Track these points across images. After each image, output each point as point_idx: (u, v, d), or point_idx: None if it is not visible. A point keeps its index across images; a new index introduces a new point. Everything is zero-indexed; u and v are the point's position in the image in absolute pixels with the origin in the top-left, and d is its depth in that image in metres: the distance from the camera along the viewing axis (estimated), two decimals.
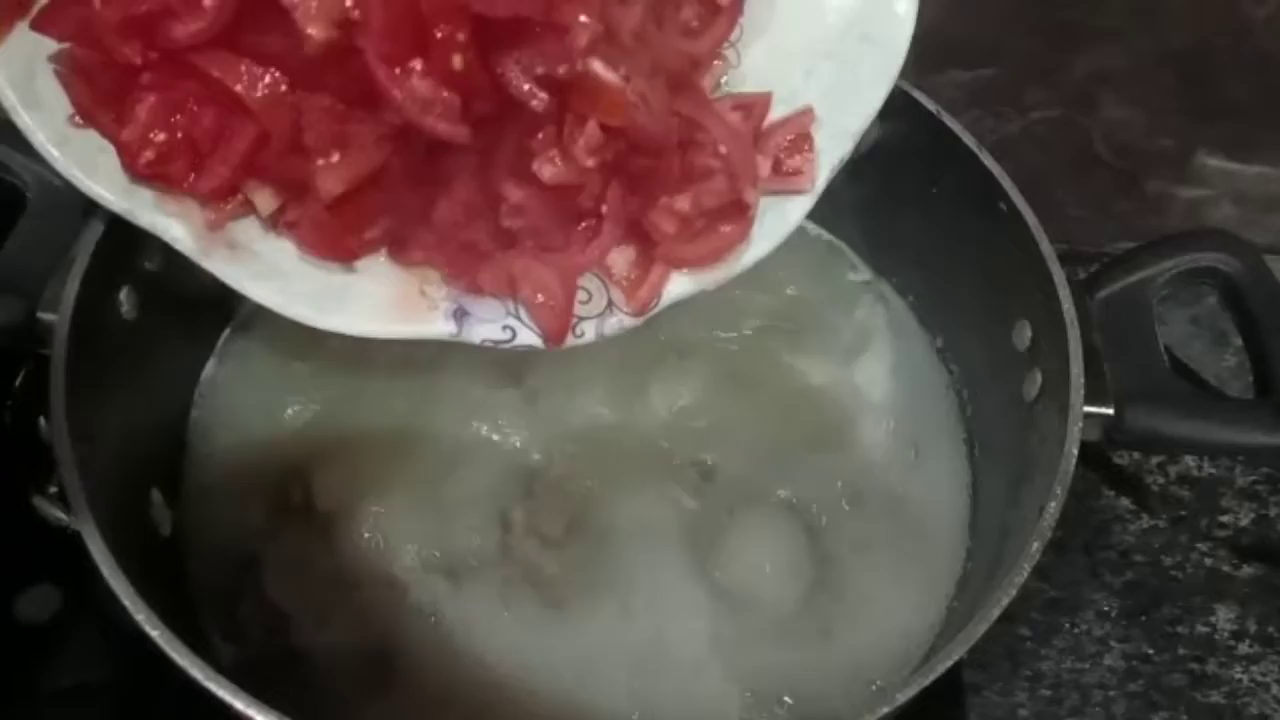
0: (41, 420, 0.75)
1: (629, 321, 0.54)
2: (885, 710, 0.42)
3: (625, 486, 0.61)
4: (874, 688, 0.57)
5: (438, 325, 0.54)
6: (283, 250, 0.52)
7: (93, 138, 0.49)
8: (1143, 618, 0.75)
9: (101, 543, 0.45)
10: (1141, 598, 0.76)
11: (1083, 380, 0.52)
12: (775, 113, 0.55)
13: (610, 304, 0.54)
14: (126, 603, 0.44)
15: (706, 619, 0.58)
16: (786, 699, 0.57)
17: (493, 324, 0.54)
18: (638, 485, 0.61)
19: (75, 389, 0.51)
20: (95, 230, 0.55)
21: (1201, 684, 0.73)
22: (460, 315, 0.54)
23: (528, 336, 0.54)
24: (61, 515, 0.72)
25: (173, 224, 0.51)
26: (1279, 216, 0.90)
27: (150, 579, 0.47)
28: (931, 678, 0.43)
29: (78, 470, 0.48)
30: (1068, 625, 0.75)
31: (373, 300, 0.53)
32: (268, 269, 0.52)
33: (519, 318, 0.53)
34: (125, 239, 0.57)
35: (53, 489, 0.69)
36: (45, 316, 0.54)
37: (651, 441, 0.63)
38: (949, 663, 0.43)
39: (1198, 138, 0.85)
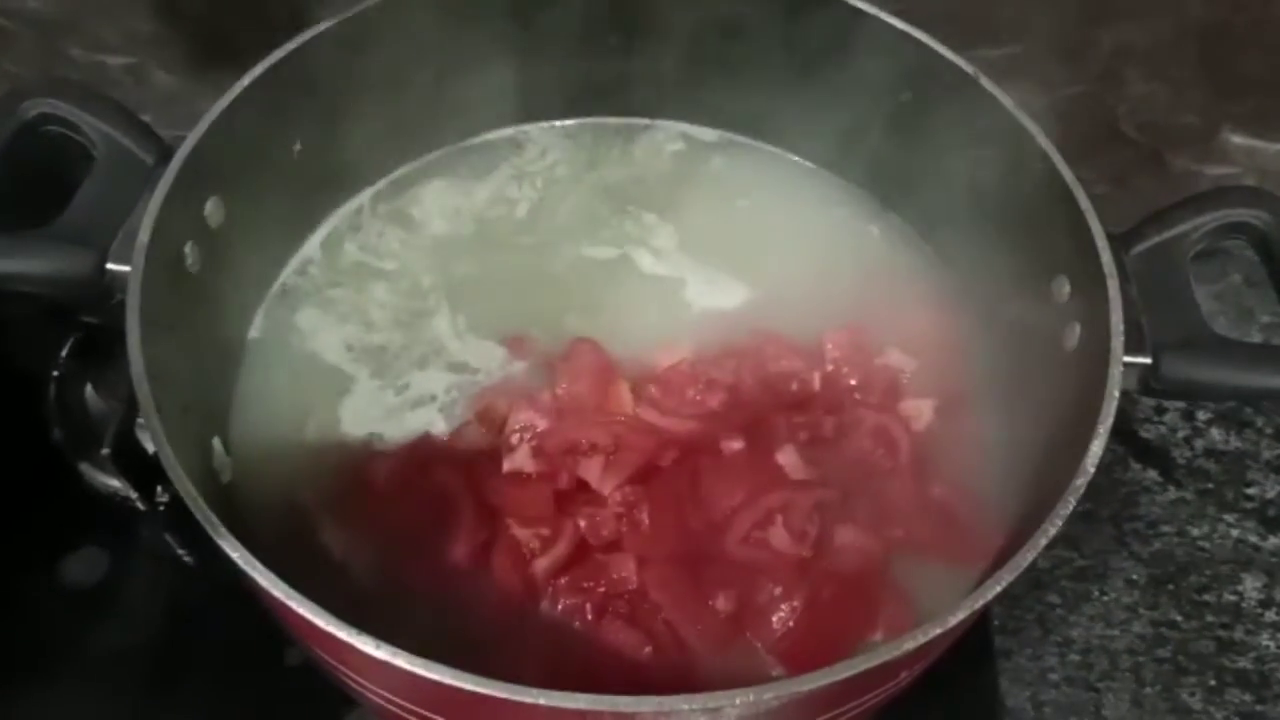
0: (89, 388, 0.78)
1: None
2: (937, 632, 0.43)
3: None
4: None
5: None
6: None
7: None
8: (1170, 586, 0.76)
9: (180, 470, 0.47)
10: (1169, 567, 0.77)
11: (1122, 327, 0.53)
12: None
13: None
14: (207, 528, 0.45)
15: None
16: None
17: None
18: None
19: (145, 337, 0.53)
20: (163, 187, 0.56)
21: (1229, 650, 0.74)
22: None
23: None
24: (110, 480, 0.74)
25: None
26: None
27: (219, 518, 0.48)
28: (982, 602, 0.44)
29: (155, 408, 0.49)
30: (1097, 593, 0.76)
31: None
32: None
33: None
34: (189, 196, 0.59)
35: (104, 451, 0.72)
36: (116, 268, 0.55)
37: None
38: (998, 588, 0.44)
39: (1222, 114, 0.86)
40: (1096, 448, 0.49)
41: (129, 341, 0.51)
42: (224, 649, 0.69)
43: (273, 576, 0.44)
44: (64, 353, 0.77)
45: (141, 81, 0.87)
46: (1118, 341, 0.53)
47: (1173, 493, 0.80)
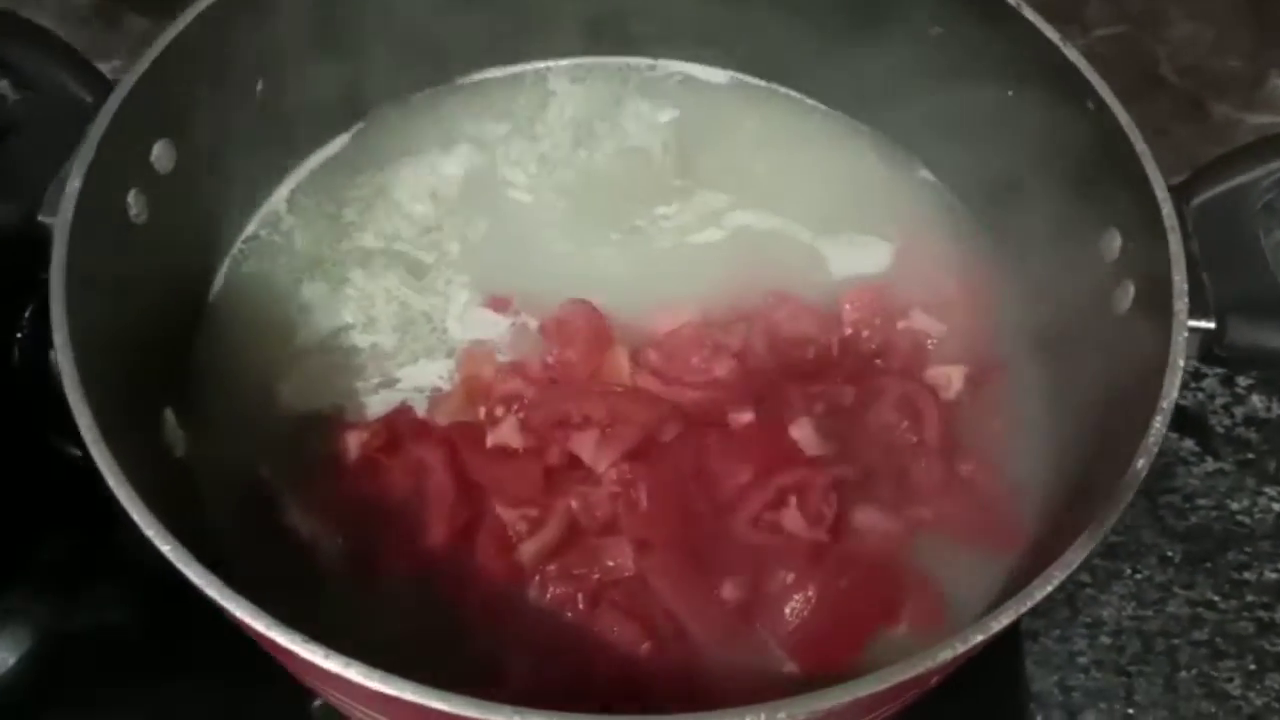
0: (52, 354, 0.73)
1: None
2: (978, 639, 0.38)
3: None
4: None
5: None
6: None
7: None
8: (1207, 564, 0.73)
9: (109, 455, 0.42)
10: (1206, 543, 0.73)
11: (1186, 287, 0.48)
12: None
13: None
14: (136, 518, 0.40)
15: None
16: None
17: None
18: None
19: (79, 297, 0.48)
20: (99, 127, 0.51)
21: (1270, 632, 0.70)
22: None
23: None
24: (77, 450, 0.70)
25: None
26: None
27: (164, 499, 0.43)
28: (1030, 604, 0.39)
29: (81, 383, 0.44)
30: (1129, 571, 0.72)
31: None
32: None
33: None
34: (132, 138, 0.54)
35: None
36: (45, 220, 0.50)
37: None
38: (1048, 588, 0.39)
39: (1269, 58, 0.82)
40: (1159, 424, 0.44)
41: (52, 301, 0.46)
42: (205, 626, 0.64)
43: (209, 574, 0.39)
44: (26, 315, 0.71)
45: (112, 23, 0.85)
46: (1181, 304, 0.47)
47: (1210, 464, 0.76)
